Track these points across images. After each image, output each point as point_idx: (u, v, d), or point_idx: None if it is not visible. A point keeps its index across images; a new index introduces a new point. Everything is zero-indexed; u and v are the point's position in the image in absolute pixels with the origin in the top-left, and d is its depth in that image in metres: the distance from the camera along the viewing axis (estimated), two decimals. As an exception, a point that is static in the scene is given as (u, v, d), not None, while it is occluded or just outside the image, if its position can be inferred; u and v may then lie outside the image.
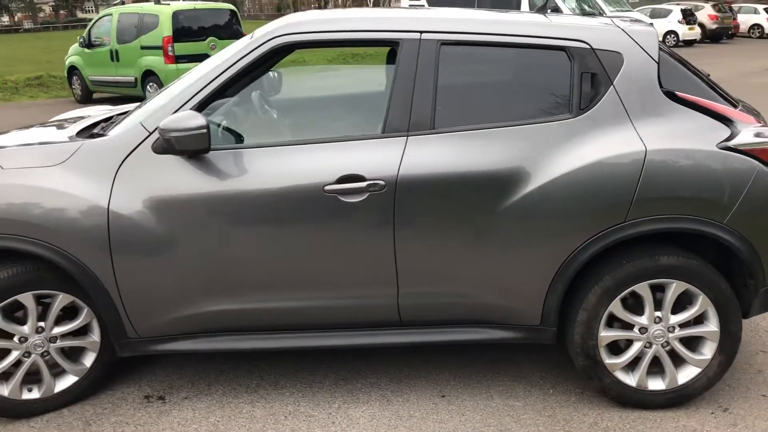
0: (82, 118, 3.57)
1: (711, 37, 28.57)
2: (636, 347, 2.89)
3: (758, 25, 31.72)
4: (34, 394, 2.97)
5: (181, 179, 2.76)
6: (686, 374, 2.93)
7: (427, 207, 2.75)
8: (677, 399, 2.94)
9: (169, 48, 11.59)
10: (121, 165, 2.78)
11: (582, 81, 2.81)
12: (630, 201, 2.70)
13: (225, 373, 3.28)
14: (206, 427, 2.89)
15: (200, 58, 10.05)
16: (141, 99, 8.64)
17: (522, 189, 2.73)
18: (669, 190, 2.71)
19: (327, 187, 2.73)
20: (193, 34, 12.00)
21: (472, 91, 2.94)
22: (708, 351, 2.89)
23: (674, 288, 2.80)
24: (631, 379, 2.92)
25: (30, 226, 2.74)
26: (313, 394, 3.10)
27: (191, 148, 2.63)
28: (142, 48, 12.02)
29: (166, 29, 11.65)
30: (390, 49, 3.13)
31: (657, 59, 2.82)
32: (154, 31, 11.82)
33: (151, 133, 2.79)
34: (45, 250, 2.75)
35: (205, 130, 2.60)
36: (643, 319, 2.86)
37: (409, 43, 2.82)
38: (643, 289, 2.81)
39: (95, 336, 3.00)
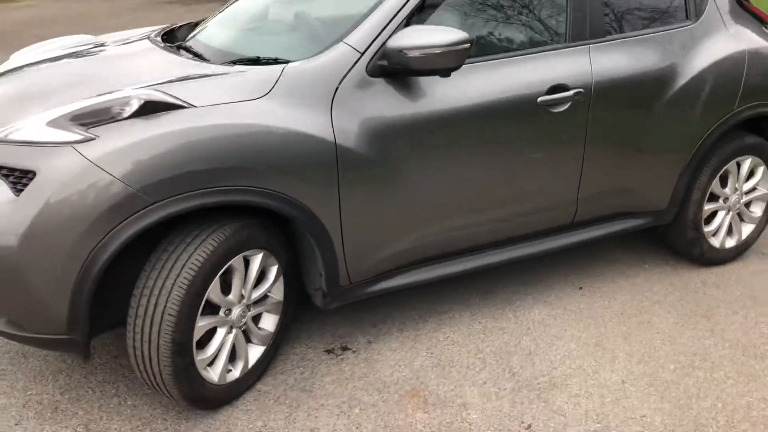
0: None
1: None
2: (720, 216, 3.53)
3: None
4: (235, 373, 2.51)
5: (401, 104, 2.52)
6: (746, 231, 3.64)
7: (610, 110, 2.96)
8: (743, 251, 3.67)
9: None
10: (335, 92, 2.43)
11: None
12: (738, 92, 3.25)
13: (392, 316, 3.11)
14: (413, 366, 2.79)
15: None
16: None
17: (674, 85, 3.09)
18: (764, 81, 3.32)
19: (540, 99, 2.76)
20: None
21: (625, 1, 3.15)
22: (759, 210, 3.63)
23: (749, 162, 3.47)
24: (716, 242, 3.56)
25: (252, 174, 2.28)
26: (480, 310, 3.14)
27: (440, 66, 2.42)
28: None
29: None
30: None
31: None
32: None
33: (362, 54, 2.48)
34: (271, 200, 2.32)
35: (468, 45, 2.42)
36: (727, 191, 3.49)
37: None
38: (732, 165, 3.43)
39: (278, 296, 2.62)
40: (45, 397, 2.54)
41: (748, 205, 3.61)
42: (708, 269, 3.56)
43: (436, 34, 2.39)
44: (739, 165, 3.47)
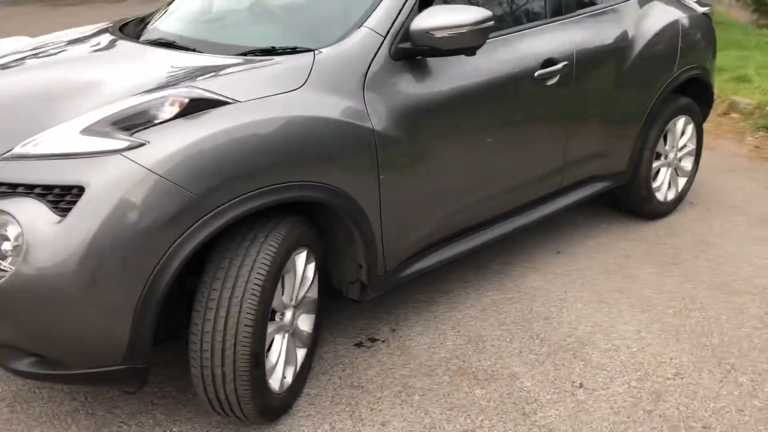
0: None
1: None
2: (663, 172, 3.86)
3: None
4: (288, 379, 2.40)
5: (423, 84, 2.52)
6: (681, 184, 4.02)
7: (587, 81, 3.14)
8: (678, 202, 4.03)
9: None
10: (366, 78, 2.38)
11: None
12: (677, 57, 3.58)
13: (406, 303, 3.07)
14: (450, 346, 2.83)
15: None
16: None
17: (630, 54, 3.35)
18: (692, 44, 3.67)
19: (537, 73, 2.87)
20: None
21: None
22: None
23: (682, 122, 3.82)
24: (661, 196, 3.89)
25: (304, 168, 2.18)
26: (481, 284, 3.21)
27: (468, 45, 2.43)
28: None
29: None
30: None
31: None
32: None
33: (384, 37, 2.44)
34: (322, 193, 2.24)
35: (492, 22, 2.46)
36: (667, 149, 3.83)
37: None
38: (671, 125, 3.76)
39: (314, 294, 2.53)
40: (75, 442, 2.28)
41: (681, 160, 3.97)
42: (655, 222, 3.89)
43: (461, 14, 2.40)
44: (674, 125, 3.80)
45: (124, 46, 2.67)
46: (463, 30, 2.37)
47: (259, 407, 2.16)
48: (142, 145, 1.90)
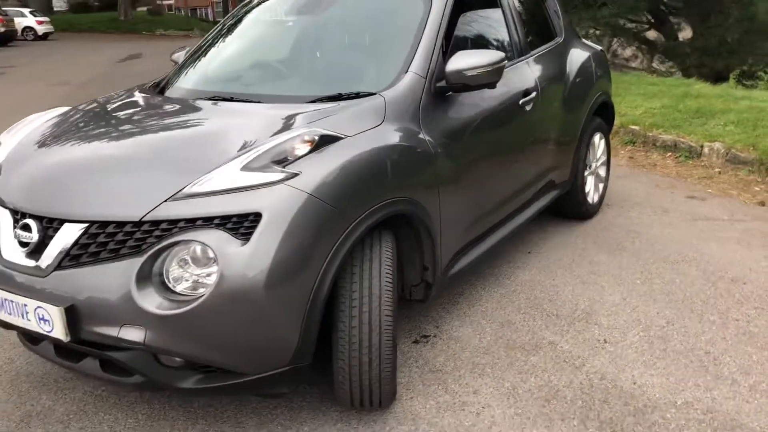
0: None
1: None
2: (590, 180, 4.71)
3: (30, 28, 32.60)
4: (391, 369, 2.81)
5: (455, 113, 3.10)
6: (601, 188, 4.91)
7: (546, 107, 3.89)
8: (600, 204, 4.91)
9: None
10: (419, 112, 2.92)
11: (552, 15, 4.34)
12: (593, 85, 4.47)
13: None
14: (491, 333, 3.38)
15: None
16: None
17: (567, 83, 4.16)
18: (601, 75, 4.58)
19: (521, 101, 3.56)
20: None
21: (528, 27, 4.08)
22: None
23: (598, 137, 4.71)
24: (590, 200, 4.72)
25: (399, 185, 2.67)
26: (482, 283, 3.78)
27: (487, 81, 3.04)
28: None
29: None
30: None
31: None
32: None
33: (425, 78, 2.99)
34: (409, 206, 2.71)
35: (506, 62, 3.09)
36: (591, 159, 4.69)
37: None
38: (592, 141, 4.63)
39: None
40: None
41: (599, 169, 4.85)
42: (589, 222, 4.71)
43: (483, 56, 3.01)
44: (593, 140, 4.67)
45: (195, 103, 2.99)
46: (488, 69, 2.98)
47: (393, 389, 2.56)
48: (296, 175, 2.29)
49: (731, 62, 11.43)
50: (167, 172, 2.37)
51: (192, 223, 2.20)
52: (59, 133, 2.87)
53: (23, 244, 2.37)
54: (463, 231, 3.19)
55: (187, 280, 2.18)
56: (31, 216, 2.38)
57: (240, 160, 2.33)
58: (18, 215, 2.44)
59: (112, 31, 31.15)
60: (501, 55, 3.03)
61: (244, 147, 2.42)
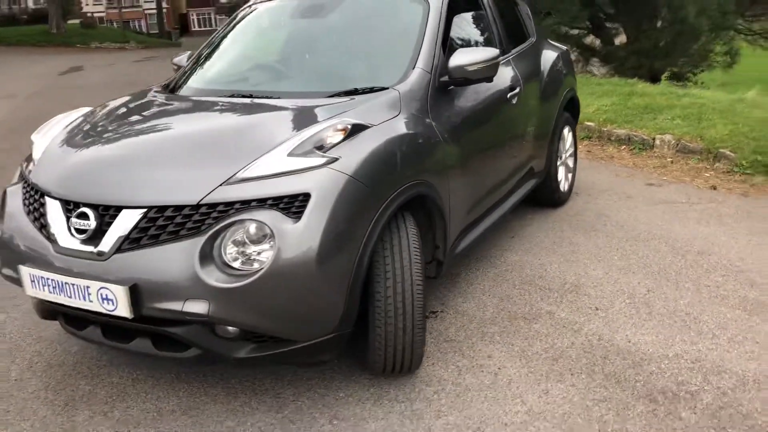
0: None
1: None
2: (561, 169, 5.09)
3: None
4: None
5: (456, 104, 3.39)
6: (569, 177, 5.29)
7: (528, 101, 4.22)
8: (570, 192, 5.29)
9: None
10: (427, 104, 3.20)
11: (525, 17, 4.70)
12: (563, 82, 4.84)
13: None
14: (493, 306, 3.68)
15: None
16: None
17: (542, 80, 4.51)
18: (568, 72, 4.96)
19: (509, 95, 3.89)
20: None
21: (507, 28, 4.41)
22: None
23: (566, 130, 5.10)
24: (561, 188, 5.10)
25: (419, 169, 2.93)
26: (476, 266, 4.08)
27: (486, 75, 3.34)
28: None
29: None
30: None
31: None
32: None
33: (431, 74, 3.27)
34: (426, 188, 2.98)
35: (501, 58, 3.40)
36: (561, 150, 5.07)
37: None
38: (563, 133, 5.01)
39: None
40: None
41: (567, 160, 5.23)
42: (562, 208, 5.08)
43: (482, 53, 3.30)
44: (563, 133, 5.05)
45: (224, 99, 3.20)
46: (487, 64, 3.28)
47: (422, 354, 2.82)
48: (336, 159, 2.54)
49: (665, 64, 12.17)
50: (217, 160, 2.57)
51: (247, 204, 2.41)
52: (97, 129, 3.03)
53: (79, 231, 2.53)
54: (466, 213, 3.47)
55: (243, 256, 2.39)
56: (87, 205, 2.54)
57: (285, 147, 2.55)
58: (70, 205, 2.60)
59: (44, 44, 30.32)
60: (496, 51, 3.34)
61: (283, 135, 2.65)
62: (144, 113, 3.19)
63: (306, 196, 2.42)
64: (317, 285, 2.43)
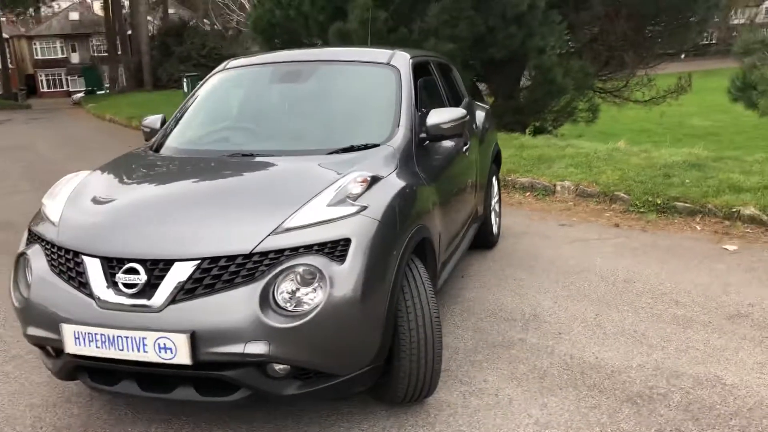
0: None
1: None
2: (492, 214, 5.64)
3: None
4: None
5: (431, 156, 3.81)
6: (497, 221, 5.86)
7: (473, 153, 4.73)
8: (499, 233, 5.85)
9: None
10: (414, 157, 3.59)
11: (459, 82, 5.26)
12: (494, 136, 5.42)
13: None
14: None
15: None
16: None
17: (482, 132, 5.05)
18: (494, 127, 5.56)
19: (464, 148, 4.37)
20: None
21: (456, 89, 4.90)
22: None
23: (494, 179, 5.68)
24: (494, 230, 5.63)
25: (421, 215, 3.30)
26: (446, 299, 4.48)
27: (459, 131, 3.76)
28: None
29: None
30: None
31: None
32: None
33: (412, 131, 3.67)
34: (426, 232, 3.35)
35: (468, 117, 3.87)
36: (492, 197, 5.63)
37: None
38: (492, 181, 5.58)
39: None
40: None
41: (495, 206, 5.79)
42: (494, 250, 5.60)
43: (453, 113, 3.74)
44: (492, 181, 5.61)
45: (232, 160, 3.42)
46: (459, 122, 3.73)
47: (437, 380, 3.12)
48: (365, 207, 2.85)
49: (536, 119, 13.40)
50: (258, 212, 2.80)
51: (295, 251, 2.66)
52: (117, 188, 3.15)
53: (127, 286, 2.65)
54: (444, 250, 3.86)
55: (294, 299, 2.62)
56: (134, 260, 2.68)
57: (322, 198, 2.83)
58: (113, 262, 2.72)
59: None
60: (464, 111, 3.81)
61: (313, 188, 2.92)
62: (157, 171, 3.33)
63: (347, 241, 2.70)
64: (361, 321, 2.70)
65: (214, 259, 2.63)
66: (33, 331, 2.82)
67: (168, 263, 2.64)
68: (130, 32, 40.77)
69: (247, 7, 19.97)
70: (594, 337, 3.90)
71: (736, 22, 39.58)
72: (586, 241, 5.79)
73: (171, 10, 49.08)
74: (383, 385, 3.06)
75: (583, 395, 3.27)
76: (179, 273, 2.62)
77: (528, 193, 7.46)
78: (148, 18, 38.00)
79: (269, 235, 2.68)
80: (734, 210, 5.93)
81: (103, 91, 41.41)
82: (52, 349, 2.90)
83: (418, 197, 3.32)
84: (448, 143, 4.04)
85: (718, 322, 4.06)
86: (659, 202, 6.36)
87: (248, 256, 2.63)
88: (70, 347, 2.68)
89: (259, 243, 2.65)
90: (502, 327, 4.07)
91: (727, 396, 3.23)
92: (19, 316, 2.94)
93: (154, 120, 4.16)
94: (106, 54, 51.75)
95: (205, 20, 35.39)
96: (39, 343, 2.86)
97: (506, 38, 11.42)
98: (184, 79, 17.02)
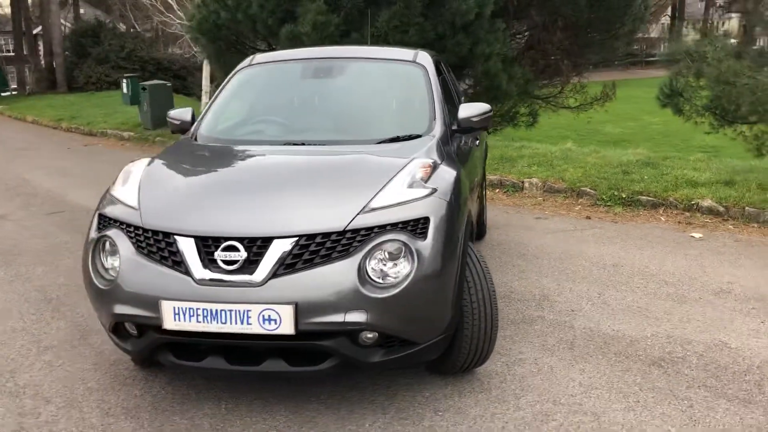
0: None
1: None
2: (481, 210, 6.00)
3: None
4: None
5: (464, 146, 4.11)
6: (484, 217, 6.22)
7: (478, 147, 5.07)
8: (485, 231, 6.21)
9: None
10: (451, 147, 3.88)
11: (456, 84, 5.58)
12: (486, 145, 5.78)
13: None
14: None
15: None
16: None
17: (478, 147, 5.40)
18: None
19: (477, 142, 4.69)
20: None
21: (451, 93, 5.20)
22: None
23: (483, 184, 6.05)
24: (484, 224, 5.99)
25: (467, 201, 3.59)
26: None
27: (483, 125, 4.09)
28: None
29: None
30: None
31: None
32: None
33: (445, 123, 3.96)
34: (471, 215, 3.65)
35: (492, 112, 4.18)
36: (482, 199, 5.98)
37: None
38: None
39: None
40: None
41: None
42: (485, 241, 5.94)
43: (480, 107, 4.05)
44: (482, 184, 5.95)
45: (290, 148, 3.61)
46: (487, 115, 4.04)
47: (492, 348, 3.41)
48: (435, 189, 3.11)
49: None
50: (343, 194, 3.01)
51: (383, 228, 2.89)
52: (192, 174, 3.29)
53: (227, 263, 2.81)
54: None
55: (382, 272, 2.85)
56: (233, 239, 2.83)
57: (400, 181, 3.07)
58: (208, 241, 2.86)
59: None
60: (488, 106, 4.11)
61: (387, 172, 3.16)
62: (224, 158, 3.47)
63: (426, 220, 2.95)
64: (439, 292, 2.95)
65: (311, 236, 2.81)
66: (123, 309, 2.90)
67: (266, 240, 2.81)
68: (36, 31, 39.06)
69: (175, 8, 19.60)
70: (605, 313, 4.28)
71: (639, 35, 42.07)
72: (565, 232, 6.22)
73: (82, 11, 47.32)
74: (442, 355, 3.30)
75: (613, 361, 3.63)
76: (279, 249, 2.79)
77: (498, 190, 7.87)
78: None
79: (358, 214, 2.89)
80: (693, 202, 6.52)
81: (8, 93, 39.48)
82: (136, 329, 2.99)
83: (463, 183, 3.60)
84: (466, 136, 4.33)
85: (707, 298, 4.53)
86: (624, 196, 6.89)
87: (342, 233, 2.83)
88: (169, 323, 2.80)
89: (351, 221, 2.86)
90: (519, 306, 4.40)
91: (736, 357, 3.66)
92: (102, 299, 3.00)
93: (182, 112, 4.22)
94: (12, 54, 49.33)
95: (120, 23, 34.31)
96: (128, 321, 2.94)
97: (455, 45, 11.91)
98: (123, 81, 16.55)
